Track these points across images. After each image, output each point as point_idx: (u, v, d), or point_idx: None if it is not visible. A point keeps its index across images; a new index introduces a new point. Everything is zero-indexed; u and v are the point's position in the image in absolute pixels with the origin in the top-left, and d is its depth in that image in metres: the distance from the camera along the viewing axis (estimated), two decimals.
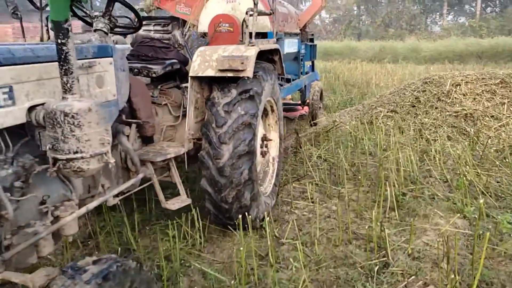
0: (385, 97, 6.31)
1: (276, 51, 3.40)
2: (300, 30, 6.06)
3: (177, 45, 3.22)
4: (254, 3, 2.86)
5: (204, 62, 2.62)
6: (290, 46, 5.49)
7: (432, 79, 6.05)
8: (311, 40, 7.18)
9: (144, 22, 3.31)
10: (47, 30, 2.94)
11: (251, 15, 2.83)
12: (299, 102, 7.03)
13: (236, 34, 4.36)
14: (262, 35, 4.68)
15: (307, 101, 6.48)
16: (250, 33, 2.83)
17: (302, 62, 6.41)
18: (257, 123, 2.69)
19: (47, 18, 3.01)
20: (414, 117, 5.80)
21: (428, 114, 5.76)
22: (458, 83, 5.88)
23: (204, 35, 4.79)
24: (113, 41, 2.79)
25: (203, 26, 4.78)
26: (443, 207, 3.50)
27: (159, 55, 3.11)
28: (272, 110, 3.41)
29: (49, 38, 2.96)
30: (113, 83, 2.09)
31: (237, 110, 2.59)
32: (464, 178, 3.88)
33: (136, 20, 2.73)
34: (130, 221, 2.97)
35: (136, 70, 2.81)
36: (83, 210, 1.88)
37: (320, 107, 6.71)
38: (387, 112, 6.06)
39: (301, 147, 5.19)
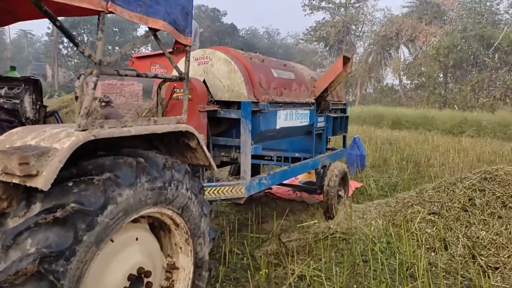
0: (426, 192, 4.65)
1: (191, 135, 2.25)
2: (317, 99, 4.86)
3: (24, 119, 2.26)
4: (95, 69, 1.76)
5: None
6: (292, 118, 4.30)
7: (495, 174, 4.30)
8: (343, 110, 5.91)
9: None
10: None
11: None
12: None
13: (196, 102, 3.35)
14: (237, 105, 3.60)
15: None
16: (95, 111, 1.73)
17: (320, 138, 5.14)
18: (65, 269, 1.50)
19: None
20: (466, 227, 4.06)
21: (486, 225, 4.00)
22: None
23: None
24: None
25: None
26: None
27: None
28: (177, 225, 2.19)
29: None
30: None
31: (22, 246, 1.45)
32: None
33: None
34: None
35: None
36: None
37: (340, 195, 5.24)
38: (428, 213, 4.39)
39: (291, 255, 3.78)
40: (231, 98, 3.60)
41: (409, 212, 4.49)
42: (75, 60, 35.19)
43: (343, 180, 5.38)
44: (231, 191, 3.45)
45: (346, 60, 4.78)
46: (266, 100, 3.67)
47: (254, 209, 5.52)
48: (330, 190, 4.93)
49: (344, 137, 6.00)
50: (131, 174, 1.79)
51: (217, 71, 3.62)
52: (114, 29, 35.78)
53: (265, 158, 4.34)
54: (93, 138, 1.61)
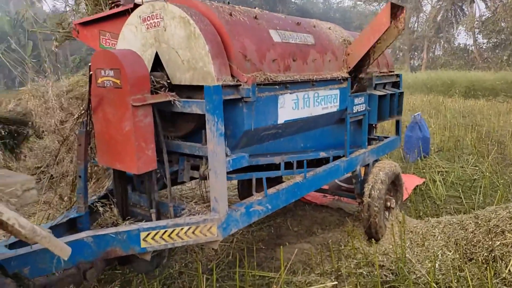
0: None
1: None
2: (352, 71, 3.32)
3: None
4: None
5: None
6: (309, 104, 2.85)
7: None
8: (395, 84, 4.26)
9: None
10: None
11: None
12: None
13: (126, 92, 2.05)
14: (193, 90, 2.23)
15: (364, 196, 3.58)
16: None
17: (360, 126, 3.63)
18: None
19: None
20: None
21: None
22: None
23: None
24: None
25: None
26: None
27: None
28: None
29: None
30: None
31: None
32: None
33: None
34: None
35: None
36: None
37: (389, 207, 3.71)
38: None
39: None
40: (194, 81, 2.23)
41: (497, 244, 2.88)
42: None
43: (394, 185, 3.82)
44: (193, 232, 2.14)
45: (395, 9, 3.14)
46: (251, 81, 2.25)
47: (272, 221, 4.19)
48: (372, 204, 3.42)
49: (398, 122, 4.37)
50: None
51: (172, 38, 2.26)
52: None
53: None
54: None
